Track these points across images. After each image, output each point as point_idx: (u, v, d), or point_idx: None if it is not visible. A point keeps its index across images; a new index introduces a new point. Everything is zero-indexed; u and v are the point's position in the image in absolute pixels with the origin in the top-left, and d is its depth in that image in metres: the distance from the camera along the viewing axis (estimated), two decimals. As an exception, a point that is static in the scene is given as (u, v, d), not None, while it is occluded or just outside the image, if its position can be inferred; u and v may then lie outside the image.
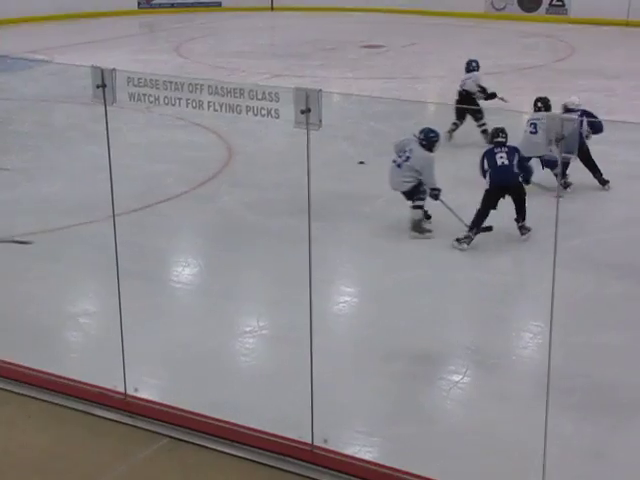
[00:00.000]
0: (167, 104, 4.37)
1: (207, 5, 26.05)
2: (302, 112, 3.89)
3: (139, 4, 25.74)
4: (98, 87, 4.34)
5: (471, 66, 11.74)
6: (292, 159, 10.75)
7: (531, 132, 9.60)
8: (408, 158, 8.61)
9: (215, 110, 4.22)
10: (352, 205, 9.31)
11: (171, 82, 4.26)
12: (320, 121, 3.93)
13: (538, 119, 9.54)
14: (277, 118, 4.12)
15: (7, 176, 10.32)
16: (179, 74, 14.15)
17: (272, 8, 26.13)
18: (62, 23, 23.15)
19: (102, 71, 4.31)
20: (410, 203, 8.63)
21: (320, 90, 4.00)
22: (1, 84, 15.82)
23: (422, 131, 8.70)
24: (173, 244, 8.61)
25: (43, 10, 23.38)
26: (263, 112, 4.12)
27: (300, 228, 4.75)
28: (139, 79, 4.30)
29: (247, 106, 4.12)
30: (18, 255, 8.01)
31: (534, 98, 10.10)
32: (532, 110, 9.97)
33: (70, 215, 9.02)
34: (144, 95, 4.41)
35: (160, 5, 25.83)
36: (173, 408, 5.24)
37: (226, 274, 7.69)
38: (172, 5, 25.86)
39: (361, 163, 10.85)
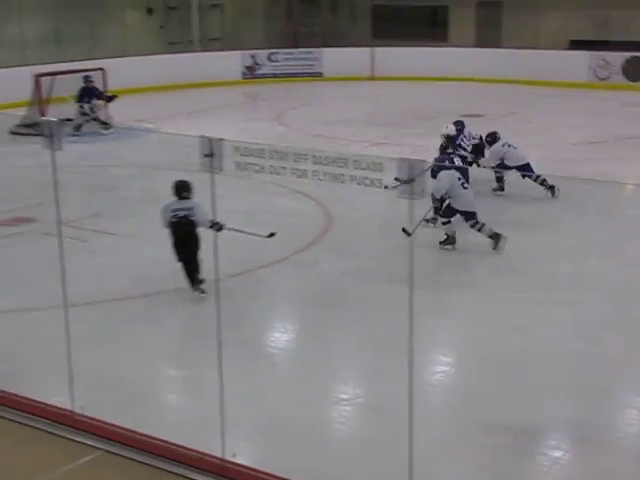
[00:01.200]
0: (272, 173, 4.47)
1: (309, 75, 26.62)
2: (405, 182, 3.92)
3: (243, 75, 26.49)
4: (206, 156, 4.47)
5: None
6: (392, 227, 10.81)
7: (514, 148, 12.71)
8: (468, 179, 10.61)
9: (319, 179, 4.30)
10: (453, 273, 9.26)
11: (276, 151, 4.36)
12: (423, 191, 3.95)
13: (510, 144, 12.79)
14: (380, 188, 4.15)
15: (113, 240, 10.65)
16: (280, 142, 14.48)
17: (372, 77, 26.51)
18: (169, 93, 23.96)
19: (210, 141, 4.45)
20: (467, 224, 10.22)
21: (424, 161, 4.04)
22: (111, 151, 16.43)
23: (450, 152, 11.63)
24: (271, 310, 8.70)
25: (151, 81, 24.29)
26: (366, 181, 4.18)
27: (399, 296, 4.75)
28: (245, 148, 4.42)
29: (351, 175, 4.19)
30: (117, 316, 8.22)
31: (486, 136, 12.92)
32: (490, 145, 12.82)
33: (171, 280, 9.23)
34: (250, 164, 4.52)
35: (263, 75, 26.54)
36: (270, 475, 5.24)
37: (323, 341, 7.71)
38: (275, 75, 26.53)
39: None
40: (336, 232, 10.97)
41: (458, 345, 7.78)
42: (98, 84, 18.94)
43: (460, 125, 13.32)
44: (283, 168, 4.47)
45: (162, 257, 9.97)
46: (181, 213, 8.72)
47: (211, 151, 4.47)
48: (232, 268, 8.99)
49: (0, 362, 7.14)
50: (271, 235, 9.13)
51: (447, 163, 10.97)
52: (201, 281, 8.58)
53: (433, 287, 8.57)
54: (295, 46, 27.66)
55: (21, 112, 18.21)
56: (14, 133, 17.81)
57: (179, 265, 8.71)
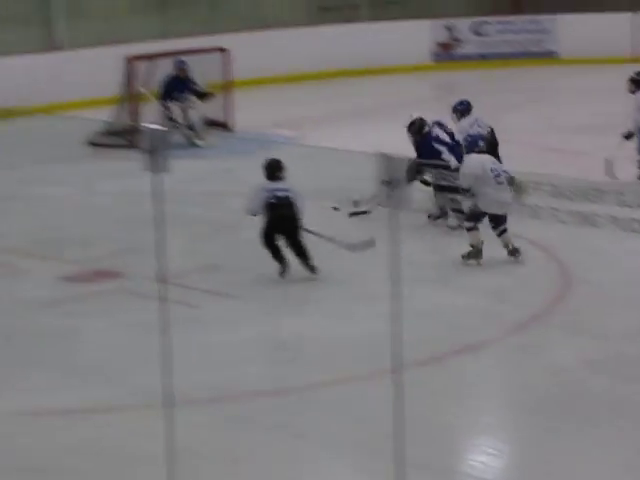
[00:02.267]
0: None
1: (534, 56, 26.46)
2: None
3: (435, 56, 26.62)
4: (384, 183, 4.44)
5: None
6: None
7: None
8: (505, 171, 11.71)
9: (562, 222, 4.25)
10: None
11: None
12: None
13: None
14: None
15: (235, 306, 10.85)
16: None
17: (635, 58, 26.10)
18: (320, 84, 24.36)
19: (391, 160, 4.42)
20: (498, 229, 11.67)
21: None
22: (232, 172, 16.69)
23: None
24: (474, 417, 8.63)
25: (294, 66, 24.77)
26: (635, 225, 4.07)
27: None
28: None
29: (611, 216, 4.09)
30: (242, 424, 8.34)
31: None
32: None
33: (324, 367, 9.29)
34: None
35: (465, 57, 26.57)
36: None
37: (560, 469, 7.57)
38: (482, 57, 26.52)
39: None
40: (578, 300, 10.80)
41: None
42: (216, 70, 19.47)
43: (463, 106, 14.63)
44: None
45: (314, 332, 10.09)
46: (281, 193, 11.25)
47: (391, 176, 4.45)
48: (418, 351, 8.98)
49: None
50: (367, 245, 10.54)
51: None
52: (313, 267, 11.27)
53: None
54: (518, 12, 27.61)
55: (105, 113, 18.92)
56: (94, 144, 18.49)
57: (267, 251, 11.36)
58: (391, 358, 5.41)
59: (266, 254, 11.30)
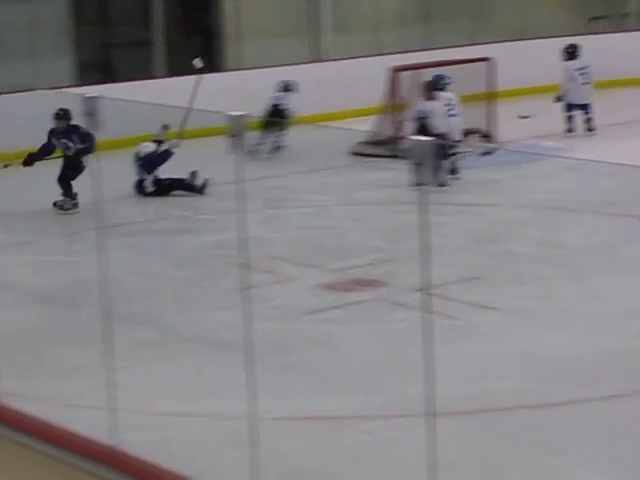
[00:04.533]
0: None
1: None
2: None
3: None
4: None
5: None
6: None
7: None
8: None
9: None
10: None
11: None
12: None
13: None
14: None
15: (496, 318, 10.82)
16: None
17: None
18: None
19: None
20: None
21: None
22: (492, 184, 16.73)
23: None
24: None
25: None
26: None
27: None
28: None
29: None
30: (503, 434, 8.35)
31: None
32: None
33: (584, 383, 9.17)
34: None
35: None
36: None
37: None
38: None
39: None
40: None
41: None
42: (480, 80, 19.46)
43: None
44: None
45: (567, 347, 9.97)
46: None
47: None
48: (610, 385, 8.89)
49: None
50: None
51: None
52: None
53: None
54: None
55: (368, 124, 19.15)
56: (357, 154, 18.74)
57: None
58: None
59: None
